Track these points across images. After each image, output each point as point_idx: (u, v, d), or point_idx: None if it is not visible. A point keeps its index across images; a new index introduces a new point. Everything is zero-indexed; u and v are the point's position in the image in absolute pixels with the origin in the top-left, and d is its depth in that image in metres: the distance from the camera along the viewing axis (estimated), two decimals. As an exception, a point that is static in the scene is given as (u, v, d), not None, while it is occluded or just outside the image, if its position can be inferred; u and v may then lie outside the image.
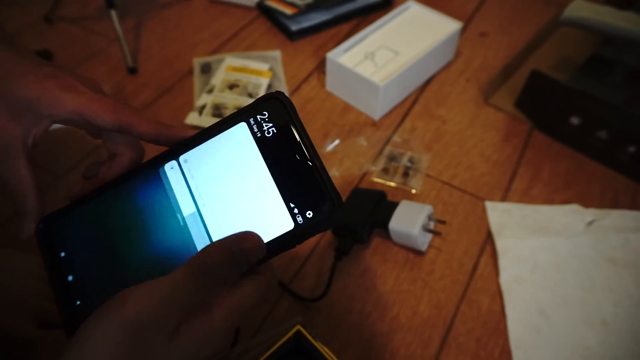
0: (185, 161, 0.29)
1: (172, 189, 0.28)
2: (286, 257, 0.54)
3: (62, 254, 0.29)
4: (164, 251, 0.27)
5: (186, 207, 0.28)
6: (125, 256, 0.28)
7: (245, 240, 0.26)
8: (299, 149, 0.27)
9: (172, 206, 0.28)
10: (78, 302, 0.27)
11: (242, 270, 0.26)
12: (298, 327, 0.43)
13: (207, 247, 0.25)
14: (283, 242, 0.26)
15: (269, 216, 0.26)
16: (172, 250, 0.27)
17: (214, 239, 0.27)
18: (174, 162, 0.29)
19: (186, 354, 0.24)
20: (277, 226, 0.26)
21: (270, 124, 0.28)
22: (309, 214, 0.26)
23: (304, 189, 0.26)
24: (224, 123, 0.29)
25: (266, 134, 0.28)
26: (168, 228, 0.28)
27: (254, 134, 0.28)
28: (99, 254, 0.28)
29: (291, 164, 0.27)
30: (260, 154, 0.28)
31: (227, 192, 0.28)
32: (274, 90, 0.30)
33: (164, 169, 0.29)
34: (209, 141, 0.29)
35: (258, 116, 0.28)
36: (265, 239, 0.26)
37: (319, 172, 0.26)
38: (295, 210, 0.26)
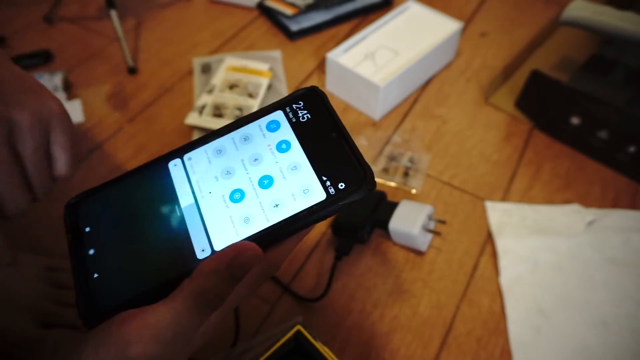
0: (219, 151, 0.31)
1: (180, 181, 0.30)
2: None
3: (87, 229, 0.30)
4: (166, 239, 0.29)
5: (184, 198, 0.30)
6: (139, 238, 0.29)
7: (241, 254, 0.25)
8: (332, 127, 0.29)
9: (173, 197, 0.30)
10: (95, 275, 0.28)
11: (240, 281, 0.26)
12: (298, 327, 0.43)
13: (202, 266, 0.25)
14: (315, 212, 0.27)
15: (301, 190, 0.28)
16: (171, 238, 0.29)
17: (208, 227, 0.28)
18: (194, 152, 0.31)
19: None
20: (309, 198, 0.28)
21: (305, 111, 0.30)
22: (341, 185, 0.27)
23: (336, 164, 0.28)
24: (260, 112, 0.31)
25: (301, 119, 0.30)
26: (168, 217, 0.29)
27: (289, 119, 0.30)
28: (118, 233, 0.30)
29: (324, 142, 0.29)
30: (295, 135, 0.30)
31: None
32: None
33: (183, 159, 0.31)
34: (247, 125, 0.31)
35: (294, 105, 0.31)
36: (297, 210, 0.27)
37: (351, 148, 0.28)
38: (328, 183, 0.28)
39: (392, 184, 0.61)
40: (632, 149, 0.59)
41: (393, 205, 0.54)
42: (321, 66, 0.74)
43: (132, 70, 0.73)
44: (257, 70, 0.71)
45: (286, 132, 0.30)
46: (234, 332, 0.49)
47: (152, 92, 0.71)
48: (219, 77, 0.71)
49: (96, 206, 0.31)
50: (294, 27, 0.78)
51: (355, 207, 0.55)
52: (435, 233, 0.55)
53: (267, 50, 0.77)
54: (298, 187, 0.28)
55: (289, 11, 0.79)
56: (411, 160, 0.63)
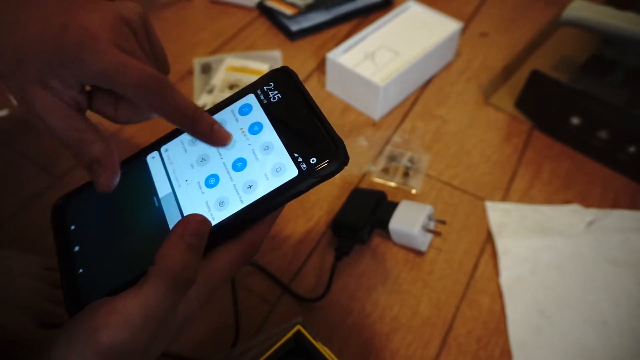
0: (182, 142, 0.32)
1: (158, 173, 0.31)
2: (286, 257, 0.54)
3: (72, 227, 0.31)
4: (146, 231, 0.29)
5: (162, 189, 0.30)
6: (121, 233, 0.30)
7: (188, 223, 0.26)
8: (302, 105, 0.29)
9: (151, 189, 0.31)
10: (81, 271, 0.29)
11: (202, 250, 0.26)
12: (298, 327, 0.43)
13: (160, 250, 0.25)
14: (288, 189, 0.27)
15: (274, 169, 0.28)
16: (151, 229, 0.29)
17: (185, 214, 0.29)
18: (169, 145, 0.32)
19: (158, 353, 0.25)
20: (281, 176, 0.28)
21: (276, 91, 0.31)
22: (313, 160, 0.27)
23: (307, 140, 0.28)
24: (233, 97, 0.32)
25: (272, 100, 0.30)
26: (148, 210, 0.30)
27: (260, 101, 0.31)
28: (102, 229, 0.30)
29: (295, 120, 0.29)
30: (266, 116, 0.30)
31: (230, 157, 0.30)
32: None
33: (160, 152, 0.32)
34: (221, 112, 0.32)
35: (265, 87, 0.31)
36: (270, 189, 0.28)
37: (322, 123, 0.28)
38: (300, 159, 0.28)
39: (392, 184, 0.61)
40: (632, 149, 0.59)
41: (393, 205, 0.54)
42: (321, 66, 0.74)
43: (132, 70, 0.73)
44: (257, 71, 0.71)
45: (258, 114, 0.30)
46: (234, 332, 0.49)
47: (152, 92, 0.71)
48: (219, 77, 0.71)
49: (81, 205, 0.32)
50: (294, 27, 0.78)
51: (353, 205, 0.56)
52: (435, 233, 0.55)
53: (267, 50, 0.77)
54: (270, 166, 0.28)
55: (289, 11, 0.79)
56: (411, 160, 0.63)
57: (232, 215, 0.28)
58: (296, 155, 0.28)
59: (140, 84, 0.27)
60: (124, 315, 0.23)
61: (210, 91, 0.69)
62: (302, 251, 0.55)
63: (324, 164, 0.27)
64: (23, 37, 0.27)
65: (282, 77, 0.31)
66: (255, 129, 0.30)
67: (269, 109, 0.30)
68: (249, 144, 0.30)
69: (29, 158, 0.63)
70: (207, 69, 0.73)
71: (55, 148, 0.63)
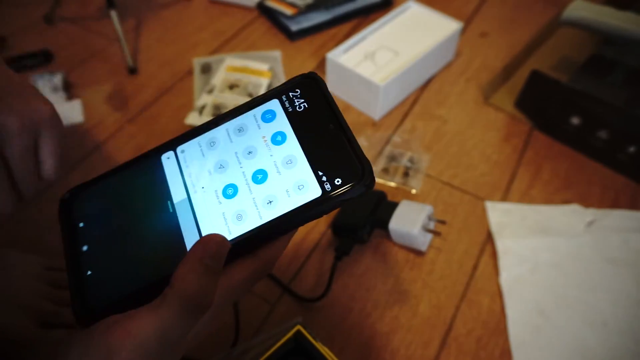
0: (212, 142, 0.30)
1: (173, 175, 0.30)
2: (286, 257, 0.54)
3: (81, 225, 0.29)
4: (159, 237, 0.28)
5: (177, 194, 0.29)
6: (132, 235, 0.28)
7: (208, 245, 0.25)
8: (329, 118, 0.28)
9: (166, 192, 0.29)
10: (89, 273, 0.28)
11: (219, 272, 0.25)
12: (298, 327, 0.43)
13: (178, 272, 0.24)
14: (310, 209, 0.26)
15: (295, 185, 0.27)
16: (163, 234, 0.28)
17: (201, 224, 0.27)
18: (182, 147, 0.30)
19: None
20: (304, 194, 0.26)
21: (302, 100, 0.29)
22: (337, 181, 0.26)
23: (333, 158, 0.27)
24: (256, 101, 0.30)
25: (297, 109, 0.29)
26: (160, 213, 0.29)
27: (285, 109, 0.29)
28: (112, 229, 0.29)
29: (321, 134, 0.27)
30: (290, 126, 0.28)
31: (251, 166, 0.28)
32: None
33: (175, 152, 0.30)
34: (242, 115, 0.30)
35: (290, 93, 0.29)
36: (291, 207, 0.26)
37: (350, 141, 0.27)
38: (324, 178, 0.26)
39: (392, 184, 0.61)
40: (632, 149, 0.59)
41: (393, 205, 0.54)
42: (321, 66, 0.74)
43: (132, 71, 0.73)
44: (257, 71, 0.71)
45: (282, 123, 0.29)
46: (234, 332, 0.49)
47: (152, 92, 0.71)
48: (219, 77, 0.71)
49: (90, 201, 0.30)
50: (294, 27, 0.78)
51: (353, 205, 0.56)
52: (435, 233, 0.55)
53: (267, 50, 0.77)
54: (293, 182, 0.27)
55: (289, 11, 0.79)
56: (411, 160, 0.63)
57: (250, 231, 0.26)
58: (320, 173, 0.26)
59: None
60: (139, 338, 0.23)
61: (210, 91, 0.69)
62: (302, 251, 0.55)
63: (349, 187, 0.26)
64: None
65: (309, 85, 0.29)
66: (278, 139, 0.28)
67: (294, 119, 0.28)
68: (271, 155, 0.28)
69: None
70: (207, 69, 0.73)
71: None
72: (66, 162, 0.63)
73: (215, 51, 0.77)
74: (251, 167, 0.28)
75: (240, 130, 0.29)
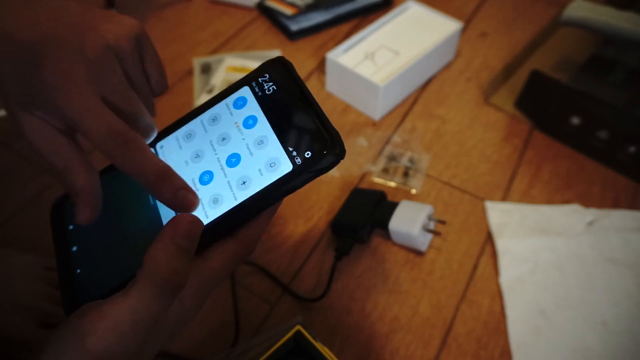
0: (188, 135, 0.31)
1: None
2: (286, 257, 0.54)
3: (71, 227, 0.31)
4: (141, 230, 0.29)
5: None
6: (118, 232, 0.29)
7: (179, 224, 0.25)
8: (298, 97, 0.28)
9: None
10: (79, 271, 0.29)
11: (192, 252, 0.25)
12: (298, 327, 0.43)
13: (148, 253, 0.24)
14: (283, 184, 0.27)
15: (268, 163, 0.27)
16: (146, 229, 0.29)
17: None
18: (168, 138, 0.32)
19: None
20: (276, 171, 0.27)
21: (271, 83, 0.30)
22: (307, 154, 0.27)
23: (303, 133, 0.27)
24: (228, 90, 0.31)
25: (267, 92, 0.29)
26: (144, 208, 0.30)
27: (255, 93, 0.30)
28: (99, 229, 0.30)
29: (291, 112, 0.28)
30: (261, 109, 0.29)
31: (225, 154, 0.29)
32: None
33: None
34: (215, 106, 0.31)
35: (260, 78, 0.30)
36: (264, 184, 0.27)
37: (318, 116, 0.28)
38: (294, 153, 0.27)
39: (392, 184, 0.61)
40: (632, 149, 0.59)
41: (393, 205, 0.54)
42: (321, 66, 0.74)
43: (132, 70, 0.73)
44: (257, 70, 0.71)
45: (253, 108, 0.29)
46: (234, 332, 0.49)
47: (152, 92, 0.71)
48: (219, 77, 0.71)
49: None
50: (294, 27, 0.78)
51: (353, 205, 0.56)
52: (435, 233, 0.55)
53: (267, 50, 0.77)
54: (264, 161, 0.28)
55: (288, 11, 0.79)
56: (411, 160, 0.63)
57: (226, 212, 0.27)
58: (291, 149, 0.27)
59: (103, 138, 0.26)
60: (111, 320, 0.23)
61: (210, 91, 0.69)
62: (302, 251, 0.55)
63: (320, 158, 0.26)
64: (2, 52, 0.26)
65: (277, 68, 0.30)
66: (249, 122, 0.29)
67: (264, 102, 0.29)
68: (243, 139, 0.29)
69: (29, 158, 0.63)
70: (207, 69, 0.73)
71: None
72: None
73: (215, 51, 0.77)
74: (225, 152, 0.29)
75: (214, 119, 0.30)
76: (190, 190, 0.27)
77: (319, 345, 0.42)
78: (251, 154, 0.28)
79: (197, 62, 0.74)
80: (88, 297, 0.27)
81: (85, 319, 0.23)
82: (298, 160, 0.27)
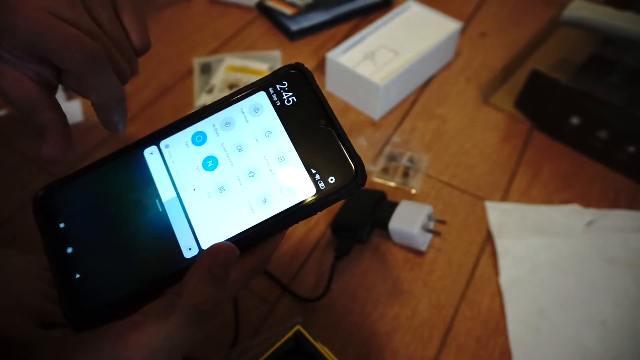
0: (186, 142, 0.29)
1: (158, 172, 0.29)
2: (286, 257, 0.55)
3: (62, 225, 0.28)
4: (149, 236, 0.27)
5: (165, 192, 0.28)
6: (120, 234, 0.27)
7: (217, 255, 0.25)
8: (320, 116, 0.27)
9: (153, 190, 0.28)
10: (78, 276, 0.27)
11: (226, 280, 0.25)
12: (298, 327, 0.43)
13: (187, 282, 0.24)
14: (305, 207, 0.26)
15: (289, 184, 0.26)
16: (155, 235, 0.27)
17: (194, 224, 0.27)
18: (157, 146, 0.30)
19: None
20: (298, 193, 0.26)
21: (290, 93, 0.28)
22: (331, 180, 0.26)
23: (325, 155, 0.26)
24: (242, 92, 0.29)
25: (286, 103, 0.28)
26: (149, 212, 0.28)
27: (273, 102, 0.28)
28: (97, 229, 0.28)
29: (312, 131, 0.27)
30: (280, 121, 0.28)
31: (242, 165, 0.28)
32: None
33: (154, 149, 0.30)
34: (228, 108, 0.29)
35: (278, 85, 0.28)
36: (286, 205, 0.26)
37: (341, 138, 0.27)
38: (317, 177, 0.26)
39: (392, 184, 0.61)
40: (632, 149, 0.59)
41: (393, 205, 0.54)
42: (321, 66, 0.74)
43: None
44: (257, 70, 0.72)
45: (270, 118, 0.28)
46: (234, 332, 0.49)
47: (152, 92, 0.71)
48: (219, 77, 0.71)
49: (69, 199, 0.29)
50: (294, 27, 0.78)
51: (353, 205, 0.56)
52: (435, 233, 0.55)
53: (266, 50, 0.77)
54: (286, 180, 0.26)
55: (288, 11, 0.79)
56: (411, 160, 0.63)
57: (247, 230, 0.26)
58: (313, 171, 0.26)
59: (71, 52, 0.25)
60: (150, 349, 0.23)
61: (210, 91, 0.69)
62: (302, 251, 0.55)
63: (343, 185, 0.26)
64: None
65: (297, 77, 0.28)
66: (268, 135, 0.27)
67: (283, 113, 0.28)
68: (262, 152, 0.27)
69: (29, 158, 0.63)
70: (206, 69, 0.73)
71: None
72: (65, 163, 0.63)
73: (215, 51, 0.77)
74: (242, 164, 0.27)
75: (227, 124, 0.29)
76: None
77: (319, 345, 0.42)
78: (271, 170, 0.27)
79: (197, 62, 0.74)
80: (93, 305, 0.26)
81: (122, 345, 0.23)
82: (321, 185, 0.26)
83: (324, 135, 0.27)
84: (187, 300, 0.24)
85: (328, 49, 0.74)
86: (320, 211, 0.26)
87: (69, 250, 0.27)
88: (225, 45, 0.78)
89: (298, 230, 0.57)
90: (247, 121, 0.28)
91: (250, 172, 0.27)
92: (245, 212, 0.27)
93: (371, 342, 0.49)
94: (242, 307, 0.51)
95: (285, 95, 0.28)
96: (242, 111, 0.29)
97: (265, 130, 0.28)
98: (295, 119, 0.28)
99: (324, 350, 0.42)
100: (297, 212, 0.26)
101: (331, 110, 0.27)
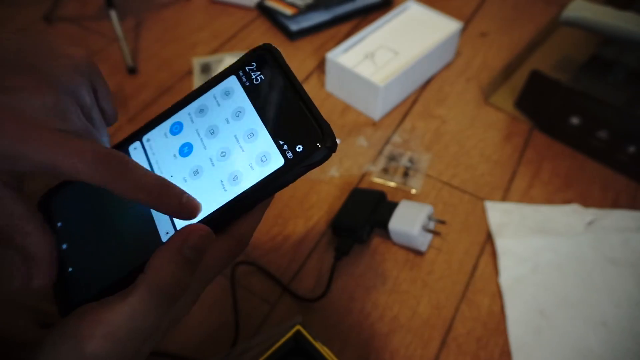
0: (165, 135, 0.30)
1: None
2: (286, 257, 0.54)
3: (59, 224, 0.29)
4: (132, 226, 0.28)
5: None
6: (108, 229, 0.29)
7: (190, 237, 0.24)
8: (287, 88, 0.28)
9: None
10: (70, 269, 0.28)
11: (198, 264, 0.25)
12: (298, 327, 0.43)
13: (153, 261, 0.24)
14: (275, 179, 0.26)
15: (259, 158, 0.27)
16: (137, 225, 0.28)
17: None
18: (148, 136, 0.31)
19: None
20: (267, 166, 0.27)
21: (259, 72, 0.29)
22: (299, 148, 0.26)
23: (293, 126, 0.27)
24: (214, 80, 0.30)
25: (254, 82, 0.29)
26: (132, 204, 0.28)
27: (242, 83, 0.29)
28: (88, 225, 0.29)
29: (280, 104, 0.28)
30: (249, 100, 0.28)
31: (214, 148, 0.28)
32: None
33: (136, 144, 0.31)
34: (202, 96, 0.30)
35: (247, 67, 0.29)
36: (256, 180, 0.26)
37: (307, 106, 0.27)
38: (285, 147, 0.26)
39: (392, 184, 0.61)
40: (632, 149, 0.59)
41: (393, 205, 0.54)
42: (321, 66, 0.74)
43: (132, 70, 0.73)
44: (257, 70, 0.71)
45: (240, 99, 0.29)
46: (234, 332, 0.49)
47: (152, 92, 0.71)
48: (219, 77, 0.71)
49: (65, 201, 0.30)
50: (294, 27, 0.78)
51: (353, 205, 0.56)
52: (435, 233, 0.55)
53: (266, 50, 0.77)
54: (255, 155, 0.27)
55: (288, 11, 0.79)
56: (411, 160, 0.63)
57: (218, 209, 0.27)
58: (281, 142, 0.26)
59: (91, 166, 0.23)
60: (109, 326, 0.23)
61: (210, 91, 0.69)
62: (302, 251, 0.55)
63: (311, 152, 0.26)
64: None
65: (265, 57, 0.29)
66: (237, 114, 0.28)
67: (252, 92, 0.28)
68: (232, 132, 0.28)
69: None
70: (206, 69, 0.73)
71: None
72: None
73: (215, 51, 0.77)
74: (215, 146, 0.28)
75: (201, 111, 0.30)
76: (191, 196, 0.26)
77: (319, 345, 0.42)
78: (241, 148, 0.28)
79: (196, 62, 0.74)
80: (81, 296, 0.27)
81: (83, 323, 0.23)
82: (289, 155, 0.26)
83: (291, 106, 0.27)
84: (150, 278, 0.24)
85: (328, 49, 0.74)
86: (292, 181, 0.27)
87: (64, 246, 0.29)
88: (225, 45, 0.78)
89: (298, 231, 0.56)
90: (218, 105, 0.29)
91: (222, 153, 0.28)
92: (218, 191, 0.27)
93: (371, 342, 0.49)
94: (242, 307, 0.51)
95: (254, 74, 0.29)
96: (214, 97, 0.30)
97: (236, 110, 0.29)
98: (263, 95, 0.28)
99: (324, 350, 0.42)
100: (268, 185, 0.26)
101: (298, 82, 0.28)
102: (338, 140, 0.26)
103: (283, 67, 0.28)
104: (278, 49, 0.29)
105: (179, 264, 0.24)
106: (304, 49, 0.77)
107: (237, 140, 0.28)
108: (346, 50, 0.70)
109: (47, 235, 0.26)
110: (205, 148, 0.29)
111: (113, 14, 0.74)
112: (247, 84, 0.29)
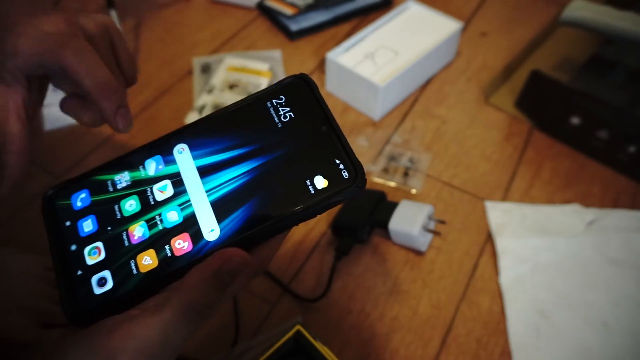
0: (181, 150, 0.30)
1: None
2: (286, 257, 0.54)
3: (68, 223, 0.29)
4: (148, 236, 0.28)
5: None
6: (122, 234, 0.28)
7: (228, 261, 0.25)
8: (321, 121, 0.28)
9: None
10: (79, 272, 0.28)
11: (229, 286, 0.25)
12: (298, 327, 0.43)
13: (188, 279, 0.24)
14: (303, 212, 0.27)
15: (289, 188, 0.27)
16: (153, 235, 0.28)
17: (203, 229, 0.27)
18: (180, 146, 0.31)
19: None
20: (296, 196, 0.27)
21: (292, 102, 0.29)
22: (330, 184, 0.27)
23: (325, 160, 0.27)
24: (245, 107, 0.30)
25: (287, 113, 0.29)
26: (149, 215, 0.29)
27: (277, 113, 0.30)
28: (104, 226, 0.29)
29: (313, 136, 0.28)
30: (283, 129, 0.29)
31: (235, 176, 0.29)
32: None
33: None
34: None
35: (274, 100, 0.30)
36: (284, 211, 0.27)
37: (340, 141, 0.28)
38: (315, 180, 0.27)
39: (392, 184, 0.61)
40: (632, 149, 0.59)
41: (393, 205, 0.54)
42: (321, 66, 0.74)
43: (132, 70, 0.73)
44: (257, 70, 0.71)
45: (273, 126, 0.29)
46: (234, 332, 0.49)
47: (152, 92, 0.71)
48: (219, 77, 0.71)
49: (74, 199, 0.30)
50: (294, 27, 0.78)
51: (353, 205, 0.56)
52: (435, 233, 0.55)
53: (267, 50, 0.77)
54: (284, 188, 0.27)
55: (289, 11, 0.79)
56: (411, 160, 0.63)
57: (245, 235, 0.27)
58: (313, 175, 0.27)
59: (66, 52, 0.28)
60: (143, 342, 0.23)
61: (210, 91, 0.69)
62: (302, 251, 0.55)
63: (341, 189, 0.26)
64: None
65: (299, 87, 0.30)
66: (270, 145, 0.29)
67: (286, 122, 0.29)
68: (265, 161, 0.28)
69: (30, 159, 0.62)
70: (207, 69, 0.73)
71: (55, 148, 0.63)
72: (65, 163, 0.63)
73: (215, 51, 0.77)
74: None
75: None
76: (129, 113, 0.30)
77: (319, 345, 0.42)
78: (271, 179, 0.28)
79: (197, 62, 0.74)
80: (92, 302, 0.26)
81: (115, 336, 0.23)
82: (320, 188, 0.27)
83: (325, 141, 0.28)
84: (185, 296, 0.24)
85: (328, 49, 0.74)
86: (320, 213, 0.27)
87: (73, 247, 0.28)
88: (225, 45, 0.78)
89: (298, 231, 0.56)
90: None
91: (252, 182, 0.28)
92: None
93: (371, 342, 0.49)
94: (242, 307, 0.51)
95: (283, 110, 0.29)
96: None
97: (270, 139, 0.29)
98: (296, 126, 0.29)
99: (324, 350, 0.42)
100: (295, 216, 0.27)
101: (332, 116, 0.29)
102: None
103: (318, 99, 0.29)
104: (313, 80, 0.30)
105: (213, 286, 0.24)
106: (304, 49, 0.77)
107: (269, 170, 0.28)
108: (346, 50, 0.70)
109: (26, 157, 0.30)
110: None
111: (113, 14, 0.74)
112: (280, 112, 0.29)
